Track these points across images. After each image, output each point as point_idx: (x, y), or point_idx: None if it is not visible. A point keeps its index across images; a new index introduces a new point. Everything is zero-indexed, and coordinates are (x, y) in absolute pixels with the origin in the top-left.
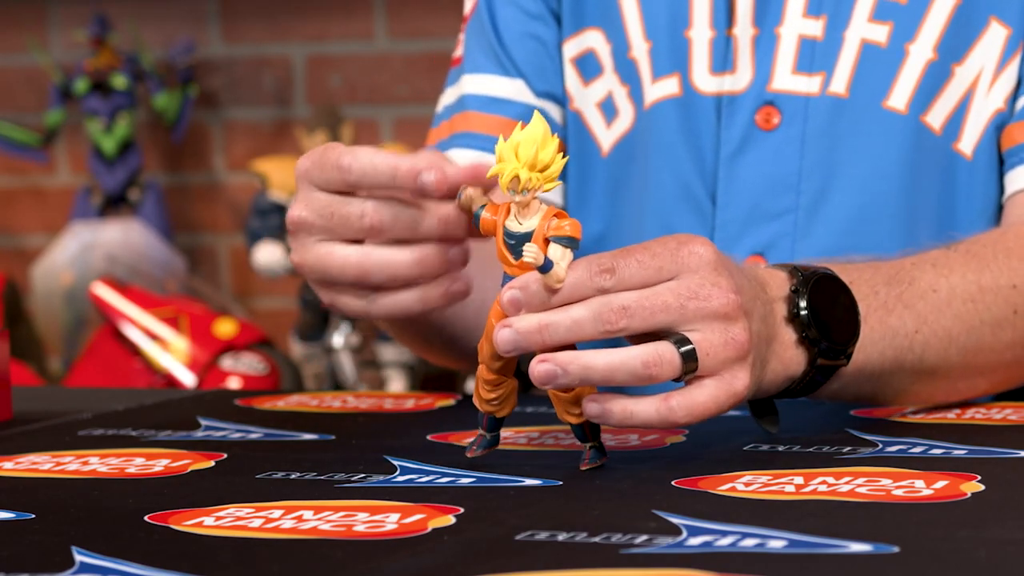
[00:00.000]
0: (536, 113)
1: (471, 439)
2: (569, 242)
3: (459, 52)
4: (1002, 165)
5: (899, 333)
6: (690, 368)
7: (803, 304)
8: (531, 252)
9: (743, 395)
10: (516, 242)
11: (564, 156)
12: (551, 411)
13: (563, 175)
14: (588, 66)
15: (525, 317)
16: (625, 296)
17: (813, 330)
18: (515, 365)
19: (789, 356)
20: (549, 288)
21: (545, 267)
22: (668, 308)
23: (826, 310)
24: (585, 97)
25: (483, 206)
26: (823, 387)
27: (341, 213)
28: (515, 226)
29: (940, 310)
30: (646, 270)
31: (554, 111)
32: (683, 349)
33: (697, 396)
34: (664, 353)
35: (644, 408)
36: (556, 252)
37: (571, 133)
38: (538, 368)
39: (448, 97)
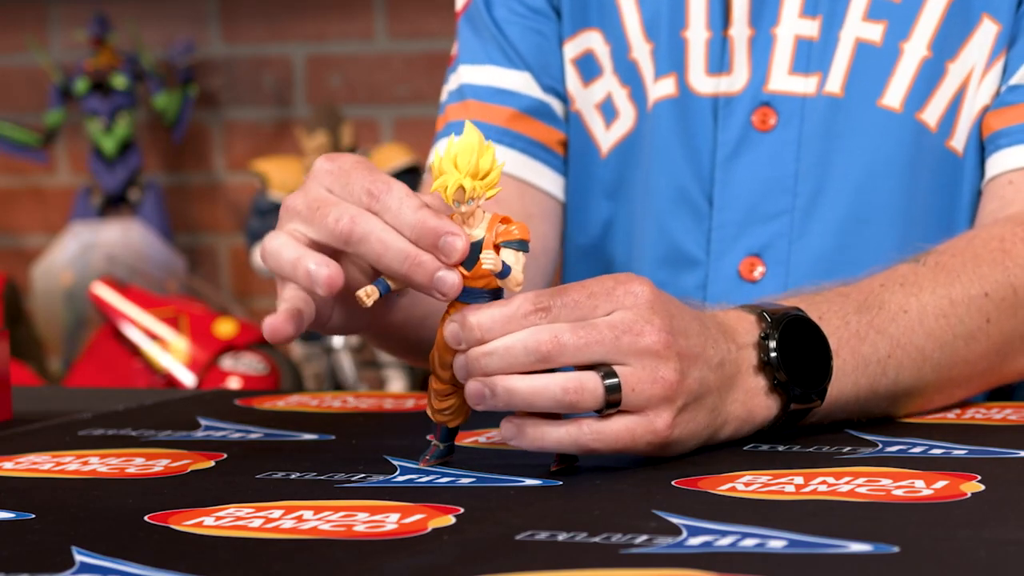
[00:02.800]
0: (468, 123)
1: (429, 443)
2: (520, 245)
3: (455, 49)
4: None
5: (871, 361)
6: (613, 400)
7: (774, 351)
8: (489, 260)
9: (664, 435)
10: (469, 253)
11: (501, 162)
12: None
13: (563, 173)
14: (588, 67)
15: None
16: (559, 326)
17: (784, 376)
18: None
19: (756, 403)
20: (510, 292)
21: (504, 273)
22: (602, 341)
23: (797, 354)
24: (585, 98)
25: None
26: (794, 426)
27: (324, 211)
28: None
29: (912, 330)
30: (582, 309)
31: (559, 108)
32: (608, 381)
33: (611, 425)
34: (587, 382)
35: (555, 431)
36: (510, 257)
37: (571, 134)
38: (469, 386)
39: (444, 93)
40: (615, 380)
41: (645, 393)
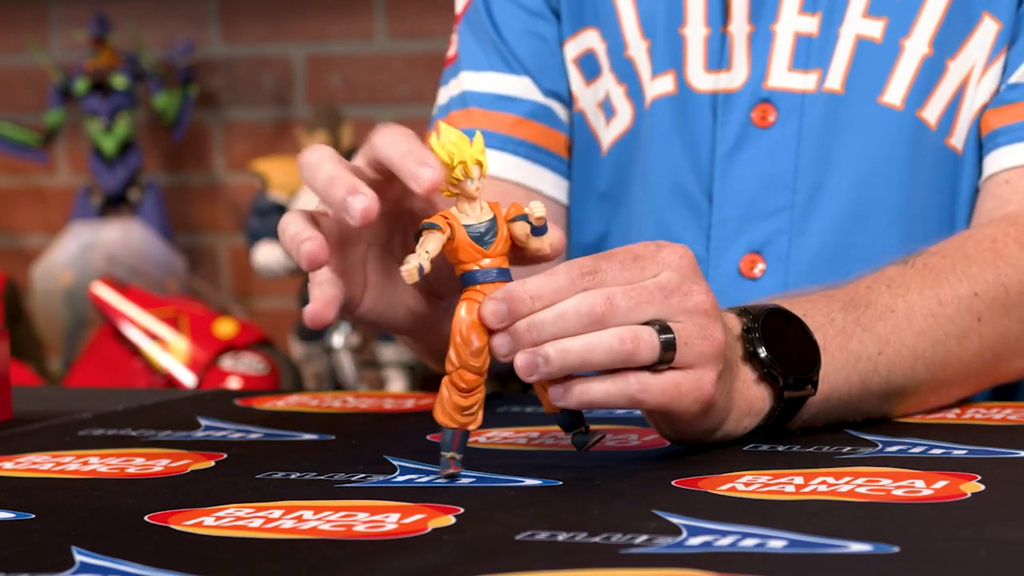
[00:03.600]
0: (439, 124)
1: (442, 466)
2: (526, 218)
3: (453, 51)
4: None
5: (861, 357)
6: (667, 356)
7: (758, 341)
8: (538, 207)
9: (709, 393)
10: (483, 232)
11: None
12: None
13: (567, 176)
14: (589, 66)
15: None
16: (610, 289)
17: (777, 366)
18: (488, 365)
19: (752, 395)
20: (543, 255)
21: (542, 230)
22: (653, 300)
23: (781, 343)
24: (588, 98)
25: (427, 225)
26: (792, 420)
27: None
28: (474, 218)
29: (901, 329)
30: (628, 271)
31: (560, 110)
32: (664, 337)
33: (659, 378)
34: (642, 333)
35: (601, 384)
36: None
37: (576, 134)
38: (519, 359)
39: (444, 96)
40: (671, 336)
41: (697, 348)
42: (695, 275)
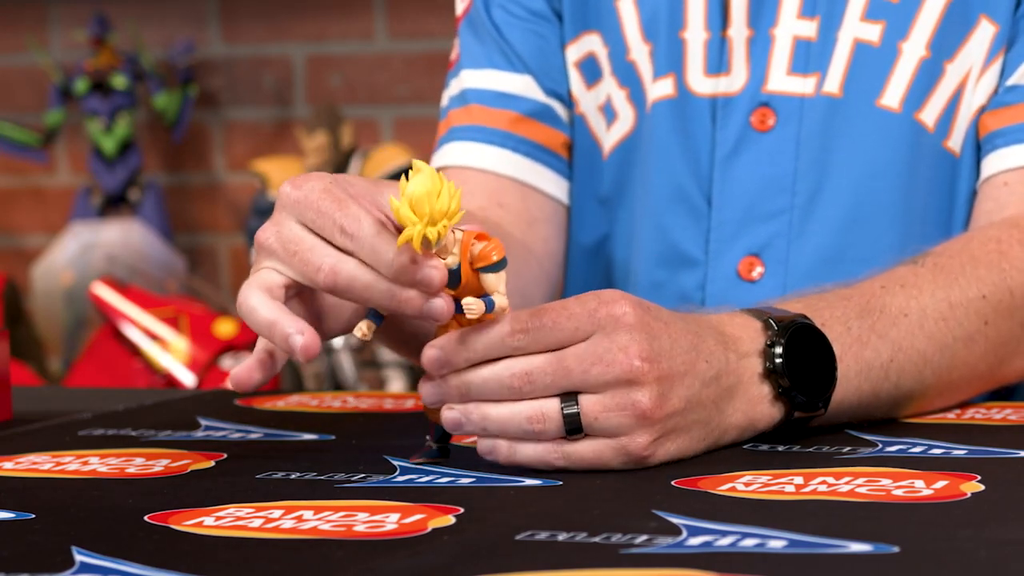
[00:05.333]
0: (414, 162)
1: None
2: (498, 266)
3: (455, 53)
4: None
5: (874, 365)
6: (573, 428)
7: (779, 358)
8: (472, 308)
9: (641, 455)
10: (450, 277)
11: (458, 190)
12: None
13: (567, 176)
14: (590, 70)
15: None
16: (530, 361)
17: (788, 383)
18: None
19: (760, 411)
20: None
21: (488, 308)
22: (570, 374)
23: (803, 363)
24: (589, 101)
25: None
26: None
27: (303, 258)
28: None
29: (913, 334)
30: (562, 332)
31: (561, 111)
32: (567, 412)
33: (580, 448)
34: (549, 412)
35: (526, 448)
36: (491, 281)
37: (576, 137)
38: (447, 413)
39: (445, 98)
40: (574, 410)
41: (612, 421)
42: (628, 339)
